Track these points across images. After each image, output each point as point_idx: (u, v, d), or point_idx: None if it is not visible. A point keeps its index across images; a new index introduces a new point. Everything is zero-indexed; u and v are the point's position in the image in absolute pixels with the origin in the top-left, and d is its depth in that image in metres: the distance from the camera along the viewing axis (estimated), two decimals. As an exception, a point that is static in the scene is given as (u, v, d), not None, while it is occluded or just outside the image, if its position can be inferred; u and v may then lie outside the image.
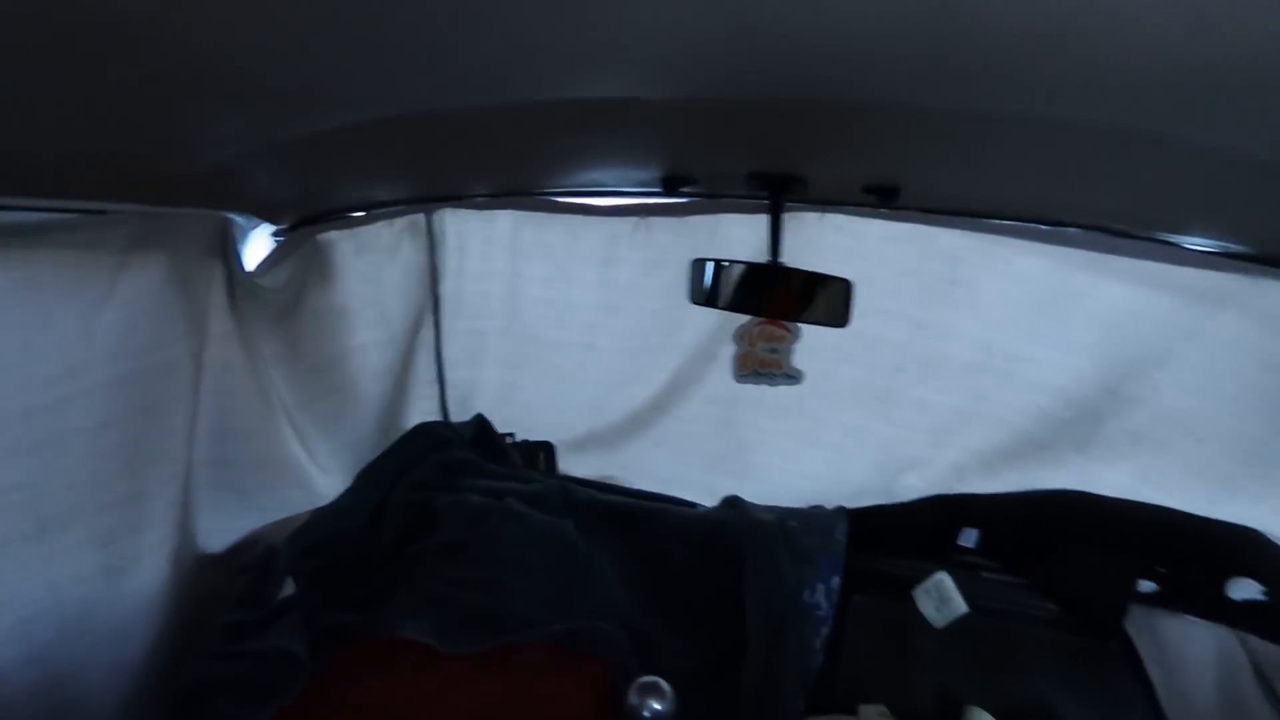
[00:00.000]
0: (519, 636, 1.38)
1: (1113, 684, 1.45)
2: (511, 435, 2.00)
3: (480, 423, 1.92)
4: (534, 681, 1.33)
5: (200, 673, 1.30)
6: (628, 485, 1.90)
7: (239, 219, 1.41)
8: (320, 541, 1.53)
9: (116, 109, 0.80)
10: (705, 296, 1.38)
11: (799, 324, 1.66)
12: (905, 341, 1.62)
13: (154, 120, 0.87)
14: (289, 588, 1.45)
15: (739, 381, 1.74)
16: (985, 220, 1.45)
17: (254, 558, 1.45)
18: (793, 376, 1.71)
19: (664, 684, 1.12)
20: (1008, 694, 1.44)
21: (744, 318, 1.70)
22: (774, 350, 1.70)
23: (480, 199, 1.78)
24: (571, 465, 1.99)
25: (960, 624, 1.51)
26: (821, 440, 1.76)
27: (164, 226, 1.22)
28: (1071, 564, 1.48)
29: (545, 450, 2.01)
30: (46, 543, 1.14)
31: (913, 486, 1.73)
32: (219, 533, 1.49)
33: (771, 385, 1.72)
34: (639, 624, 1.47)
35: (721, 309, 1.39)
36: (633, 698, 1.11)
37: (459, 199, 1.79)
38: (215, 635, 1.32)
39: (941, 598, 1.51)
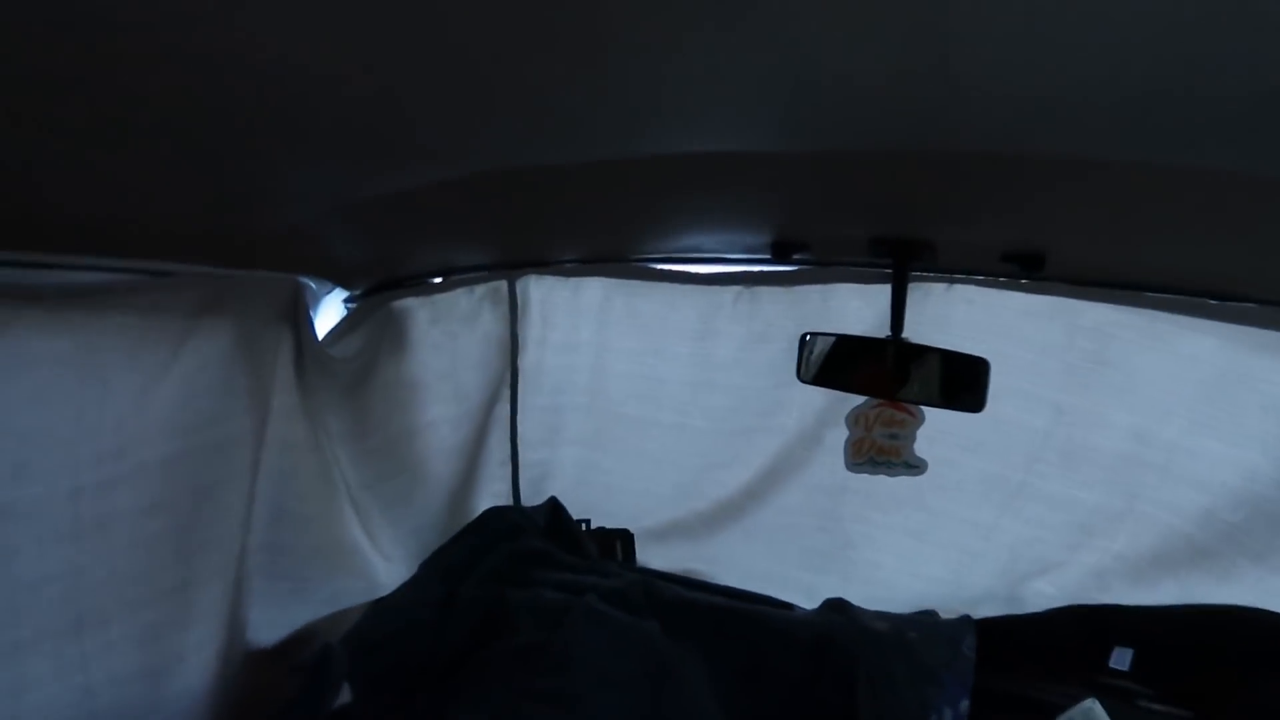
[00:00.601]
0: (605, 764, 1.22)
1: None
2: (587, 522, 1.85)
3: (554, 506, 1.79)
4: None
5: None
6: (714, 581, 1.73)
7: (311, 283, 1.32)
8: (381, 641, 1.40)
9: (200, 163, 0.73)
10: (816, 374, 1.25)
11: (923, 408, 1.51)
12: (1044, 429, 1.46)
13: (237, 176, 0.80)
14: (345, 694, 1.31)
15: (852, 470, 1.58)
16: (1143, 293, 1.29)
17: (308, 657, 1.32)
18: (915, 466, 1.55)
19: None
20: None
21: (859, 399, 1.55)
22: (894, 436, 1.54)
23: (569, 265, 1.69)
24: (651, 557, 1.83)
25: (1112, 761, 1.30)
26: (940, 538, 1.58)
27: (233, 289, 1.13)
28: (1247, 694, 1.27)
29: (623, 539, 1.86)
30: (84, 641, 1.02)
31: (1044, 594, 1.54)
32: (271, 626, 1.37)
33: (889, 475, 1.56)
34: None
35: (835, 389, 1.25)
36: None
37: (545, 265, 1.69)
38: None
39: (1091, 729, 1.31)
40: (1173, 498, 1.39)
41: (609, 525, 1.86)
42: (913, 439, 1.53)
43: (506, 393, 1.79)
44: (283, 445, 1.30)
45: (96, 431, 0.99)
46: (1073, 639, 1.40)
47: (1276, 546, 1.30)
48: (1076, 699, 1.34)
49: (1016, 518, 1.52)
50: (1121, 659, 1.36)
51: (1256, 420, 1.29)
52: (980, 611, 1.53)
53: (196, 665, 1.18)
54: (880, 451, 1.54)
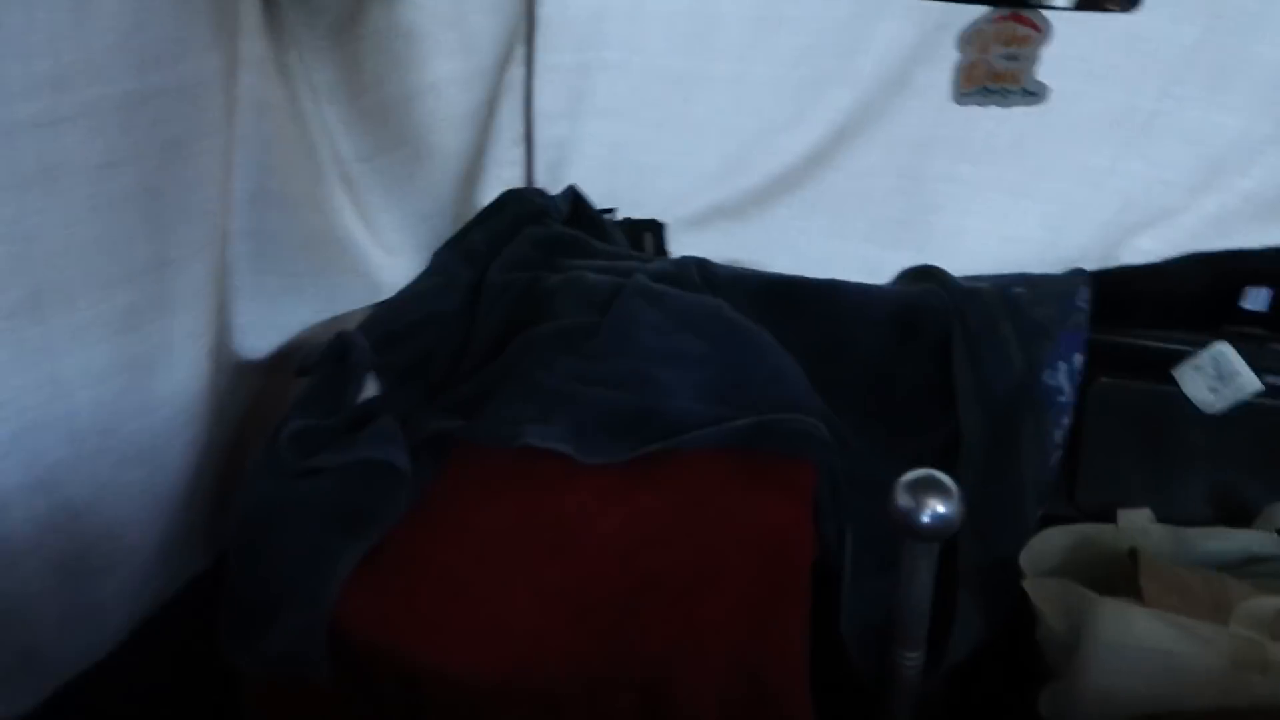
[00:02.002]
0: (686, 440, 1.08)
1: None
2: (611, 212, 1.64)
3: (574, 196, 1.57)
4: (714, 495, 1.03)
5: (267, 495, 1.01)
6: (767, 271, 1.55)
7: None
8: (402, 330, 1.22)
9: None
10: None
11: (1051, 21, 1.26)
12: (1193, 43, 1.24)
13: None
14: (372, 387, 1.15)
15: (959, 102, 1.35)
16: None
17: (323, 350, 1.14)
18: (1034, 94, 1.32)
19: (946, 479, 0.80)
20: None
21: (973, 12, 1.30)
22: (1013, 58, 1.30)
23: None
24: (685, 248, 1.63)
25: (1241, 409, 1.20)
26: (1042, 191, 1.40)
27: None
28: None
29: (652, 230, 1.65)
30: (46, 322, 0.85)
31: (1145, 251, 1.38)
32: (264, 328, 1.19)
33: (1003, 106, 1.33)
34: (829, 422, 1.16)
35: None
36: (901, 499, 0.80)
37: None
38: (276, 449, 1.04)
39: (1220, 374, 1.20)
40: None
41: (636, 217, 1.66)
42: (1034, 60, 1.30)
43: (522, 50, 1.52)
44: (258, 106, 1.07)
45: (23, 46, 0.76)
46: (1198, 284, 1.27)
47: None
48: (1203, 345, 1.22)
49: (1140, 157, 1.33)
50: (1257, 299, 1.23)
51: None
52: (1082, 271, 1.38)
53: (187, 360, 1.01)
54: (996, 78, 1.31)
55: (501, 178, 1.60)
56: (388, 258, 1.36)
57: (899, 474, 0.84)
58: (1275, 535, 1.09)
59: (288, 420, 1.06)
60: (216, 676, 1.02)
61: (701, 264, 1.37)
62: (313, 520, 0.99)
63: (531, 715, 0.94)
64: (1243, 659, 0.85)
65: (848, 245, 1.55)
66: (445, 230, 1.44)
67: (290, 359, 1.22)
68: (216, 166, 1.01)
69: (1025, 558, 1.06)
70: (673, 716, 0.93)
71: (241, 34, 1.01)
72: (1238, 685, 0.85)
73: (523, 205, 1.44)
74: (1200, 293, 1.28)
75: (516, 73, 1.54)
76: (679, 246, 1.66)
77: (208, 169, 0.99)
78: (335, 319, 1.29)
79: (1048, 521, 1.15)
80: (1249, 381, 1.19)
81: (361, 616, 0.93)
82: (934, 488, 0.80)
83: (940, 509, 0.79)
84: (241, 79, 1.03)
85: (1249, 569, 1.09)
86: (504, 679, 0.89)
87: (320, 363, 1.15)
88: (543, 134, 1.61)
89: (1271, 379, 1.20)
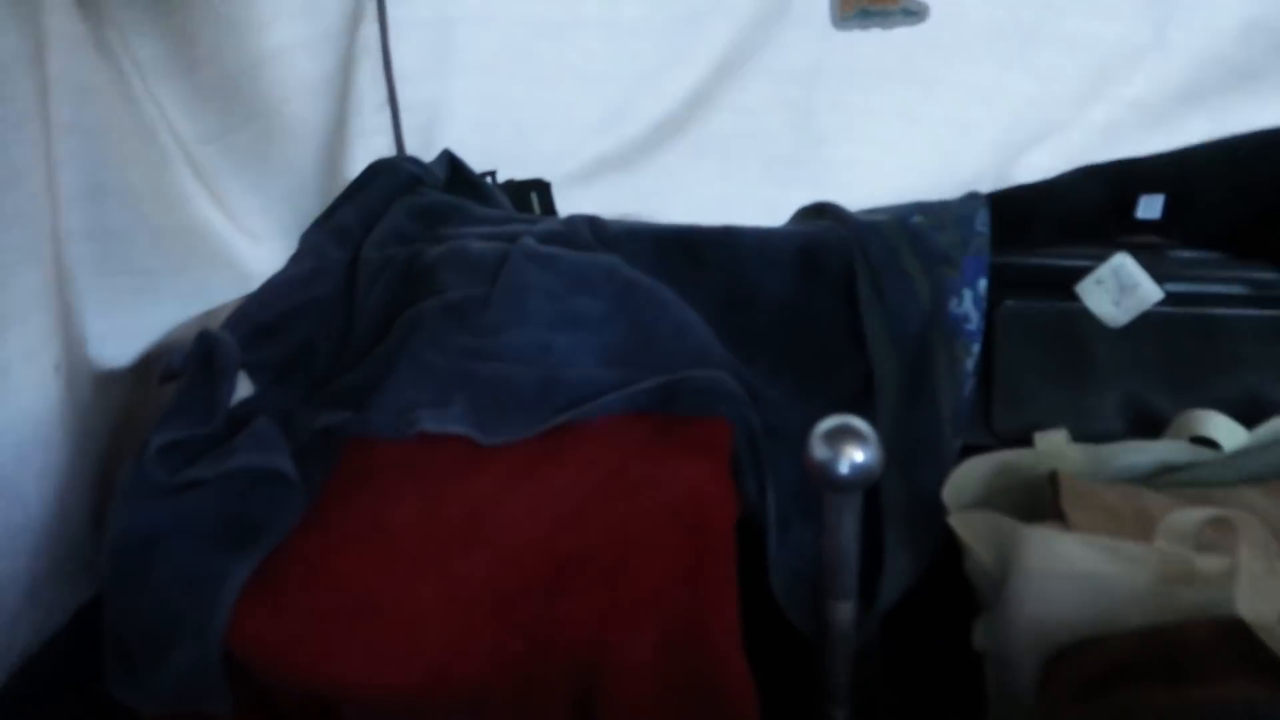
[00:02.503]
0: (592, 408, 1.03)
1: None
2: (492, 174, 1.56)
3: (450, 160, 1.48)
4: (628, 463, 0.99)
5: (139, 518, 0.92)
6: (659, 222, 1.50)
7: None
8: (273, 321, 1.13)
9: None
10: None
11: None
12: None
13: None
14: (245, 387, 1.06)
15: (839, 27, 1.31)
16: None
17: (186, 352, 1.05)
18: (914, 13, 1.29)
19: (863, 425, 0.77)
20: (1218, 394, 1.18)
21: None
22: None
23: None
24: (574, 205, 1.57)
25: (1145, 319, 1.21)
26: (931, 114, 1.38)
27: None
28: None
29: (538, 190, 1.58)
30: None
31: (1039, 167, 1.38)
32: (120, 335, 1.10)
33: (885, 28, 1.30)
34: (739, 375, 1.12)
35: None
36: (817, 450, 0.77)
37: None
38: (144, 466, 0.94)
39: (1122, 286, 1.20)
40: (1210, 17, 1.21)
41: (519, 178, 1.59)
42: (911, -22, 1.27)
43: (373, 6, 1.41)
44: (79, 90, 0.97)
45: None
46: (1093, 197, 1.27)
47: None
48: (1103, 259, 1.22)
49: (1025, 71, 1.32)
50: (1150, 207, 1.24)
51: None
52: (973, 195, 1.36)
53: (28, 381, 0.91)
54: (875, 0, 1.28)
55: (369, 148, 1.51)
56: (253, 246, 1.27)
57: (816, 419, 0.80)
58: (1187, 443, 1.10)
59: (154, 433, 0.97)
60: (108, 716, 0.94)
61: (592, 221, 1.31)
62: (192, 540, 0.91)
63: (459, 717, 0.89)
64: (1170, 574, 0.85)
65: (742, 187, 1.51)
66: (312, 210, 1.34)
67: (157, 365, 1.12)
68: (35, 160, 0.90)
69: (948, 491, 1.05)
70: (608, 700, 0.89)
71: (47, 10, 0.90)
72: (1167, 600, 0.85)
73: (394, 175, 1.35)
74: (1096, 205, 1.28)
75: (370, 31, 1.44)
76: (567, 204, 1.59)
77: (24, 163, 0.88)
78: (204, 316, 1.21)
79: (968, 452, 1.14)
80: (1150, 291, 1.20)
81: (259, 640, 0.86)
82: (851, 436, 0.77)
83: (859, 457, 0.76)
84: (54, 61, 0.92)
85: (1164, 479, 1.09)
86: (423, 689, 0.83)
87: (185, 367, 1.05)
88: (408, 96, 1.52)
89: (1171, 286, 1.21)
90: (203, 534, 0.91)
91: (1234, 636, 0.80)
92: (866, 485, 0.78)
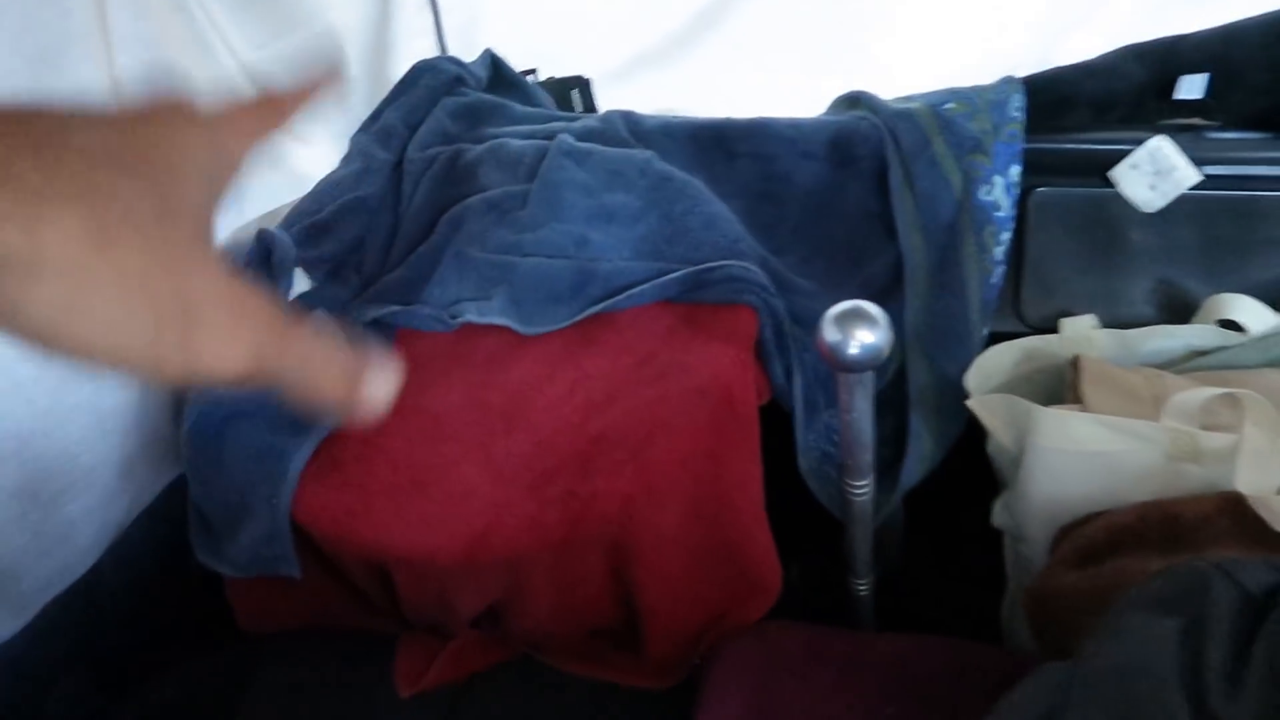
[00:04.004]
0: (625, 299, 1.07)
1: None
2: (532, 72, 1.58)
3: (492, 60, 1.50)
4: (657, 350, 1.04)
5: (211, 406, 1.01)
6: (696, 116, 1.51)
7: None
8: (329, 220, 1.19)
9: None
10: None
11: None
12: None
13: None
14: (303, 283, 1.13)
15: None
16: None
17: (245, 252, 1.12)
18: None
19: (872, 309, 0.81)
20: (1253, 279, 1.17)
21: None
22: None
23: None
24: (615, 102, 1.57)
25: (1181, 203, 1.19)
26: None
27: None
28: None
29: (579, 87, 1.60)
30: None
31: (1079, 50, 1.34)
32: None
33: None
34: (767, 265, 1.15)
35: None
36: (828, 333, 0.81)
37: None
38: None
39: (1158, 170, 1.18)
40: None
41: (560, 75, 1.60)
42: None
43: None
44: (133, 6, 1.01)
45: None
46: (1132, 79, 1.24)
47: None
48: (1140, 142, 1.20)
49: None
50: (1192, 87, 1.20)
51: None
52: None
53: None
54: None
55: (411, 49, 1.52)
56: (305, 148, 1.32)
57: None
58: (1215, 327, 1.10)
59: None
60: (197, 580, 1.05)
61: (628, 116, 1.33)
62: (259, 424, 1.00)
63: (501, 578, 0.98)
64: (1176, 451, 0.88)
65: (781, 79, 1.50)
66: (360, 112, 1.37)
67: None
68: (98, 73, 0.96)
69: (971, 376, 1.08)
70: (639, 567, 0.96)
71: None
72: (1174, 477, 0.88)
73: (437, 76, 1.38)
74: (1135, 86, 1.24)
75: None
76: (607, 101, 1.60)
77: (89, 77, 0.94)
78: (264, 216, 1.27)
79: (996, 339, 1.16)
80: (1187, 175, 1.17)
81: (322, 512, 0.95)
82: (860, 318, 0.80)
83: (868, 339, 0.80)
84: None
85: (1190, 364, 1.10)
86: (467, 555, 0.92)
87: (246, 265, 1.12)
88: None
89: (1210, 169, 1.18)
90: (268, 419, 1.00)
91: (1232, 509, 0.83)
92: (875, 366, 0.82)
